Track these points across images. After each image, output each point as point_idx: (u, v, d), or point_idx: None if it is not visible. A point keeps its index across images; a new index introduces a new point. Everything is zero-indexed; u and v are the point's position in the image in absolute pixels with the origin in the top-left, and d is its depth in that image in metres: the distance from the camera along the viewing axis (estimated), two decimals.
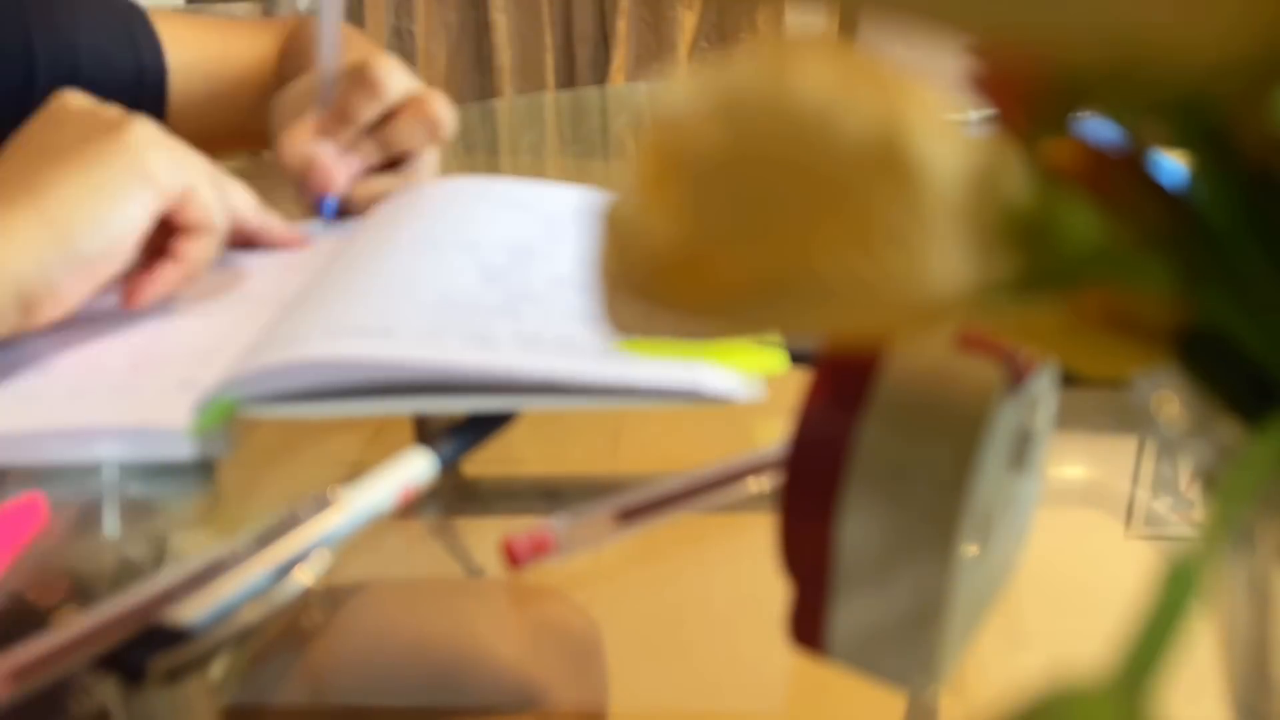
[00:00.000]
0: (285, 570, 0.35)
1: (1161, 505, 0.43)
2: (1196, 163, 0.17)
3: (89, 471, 0.45)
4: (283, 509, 0.38)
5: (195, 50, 0.78)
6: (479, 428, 0.45)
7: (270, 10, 2.41)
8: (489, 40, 2.54)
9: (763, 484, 0.41)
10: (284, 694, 0.34)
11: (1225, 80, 0.15)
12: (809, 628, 0.25)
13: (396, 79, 0.61)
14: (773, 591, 0.26)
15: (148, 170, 0.50)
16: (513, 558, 0.36)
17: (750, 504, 0.40)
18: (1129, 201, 0.18)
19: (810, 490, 0.24)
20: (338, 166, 0.61)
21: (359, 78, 0.60)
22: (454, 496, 0.44)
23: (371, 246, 0.53)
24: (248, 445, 0.49)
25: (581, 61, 2.54)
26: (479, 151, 1.08)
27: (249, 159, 1.01)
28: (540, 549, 0.37)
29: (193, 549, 0.43)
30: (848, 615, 0.25)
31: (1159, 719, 0.12)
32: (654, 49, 2.46)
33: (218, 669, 0.33)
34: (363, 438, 0.49)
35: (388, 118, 0.62)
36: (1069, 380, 0.27)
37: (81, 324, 0.52)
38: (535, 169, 1.00)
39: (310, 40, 0.70)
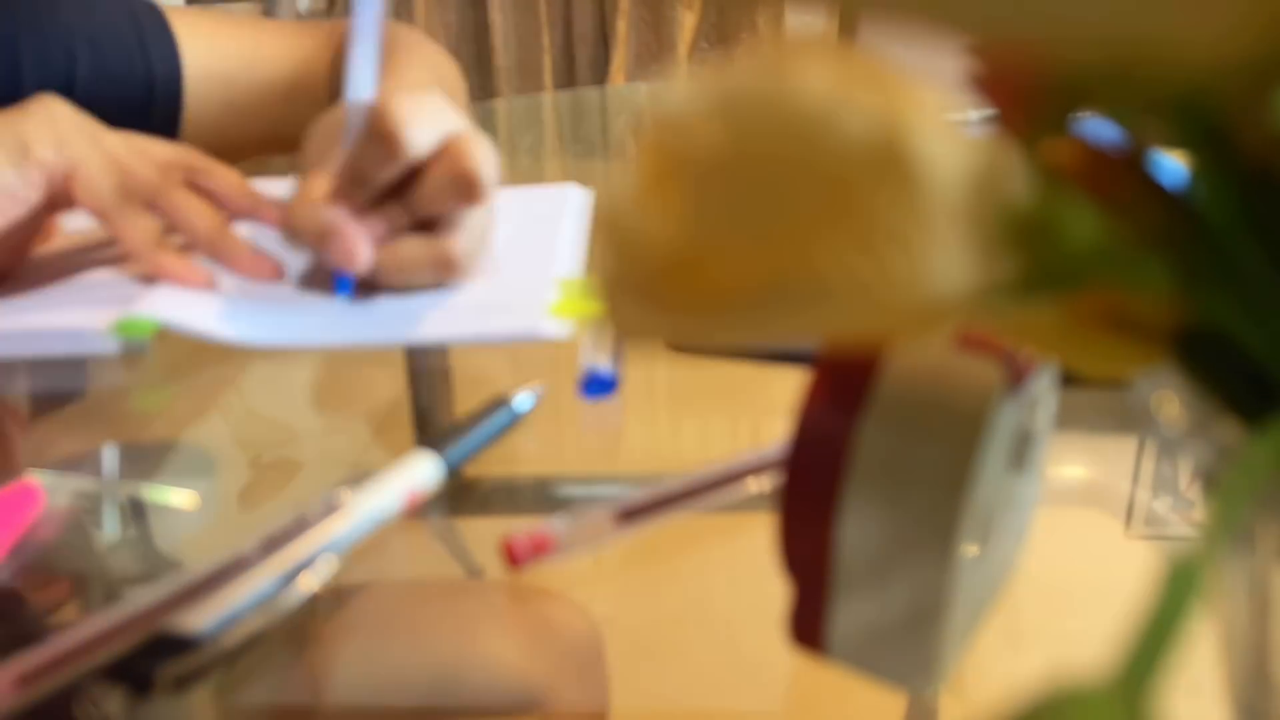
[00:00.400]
0: (292, 576, 0.35)
1: (1161, 505, 0.43)
2: (1196, 163, 0.17)
3: (89, 471, 0.45)
4: (289, 513, 0.38)
5: (216, 53, 0.76)
6: (484, 430, 0.45)
7: (270, 10, 2.41)
8: (488, 40, 2.54)
9: (763, 484, 0.41)
10: (286, 695, 0.34)
11: (1225, 80, 0.15)
12: (809, 628, 0.25)
13: (420, 131, 0.50)
14: (773, 591, 0.26)
15: (26, 144, 0.52)
16: (513, 558, 0.36)
17: (750, 504, 0.40)
18: (1129, 201, 0.18)
19: (810, 490, 0.24)
20: (358, 240, 0.51)
21: (376, 129, 0.49)
22: (454, 497, 0.44)
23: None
24: (248, 445, 0.49)
25: (581, 62, 2.54)
26: None
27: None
28: (540, 549, 0.37)
29: (194, 551, 0.43)
30: (848, 615, 0.25)
31: (1159, 719, 0.12)
32: (654, 49, 2.45)
33: (223, 675, 0.33)
34: (363, 438, 0.49)
35: (415, 173, 0.51)
36: (1069, 380, 0.27)
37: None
38: (535, 170, 1.00)
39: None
